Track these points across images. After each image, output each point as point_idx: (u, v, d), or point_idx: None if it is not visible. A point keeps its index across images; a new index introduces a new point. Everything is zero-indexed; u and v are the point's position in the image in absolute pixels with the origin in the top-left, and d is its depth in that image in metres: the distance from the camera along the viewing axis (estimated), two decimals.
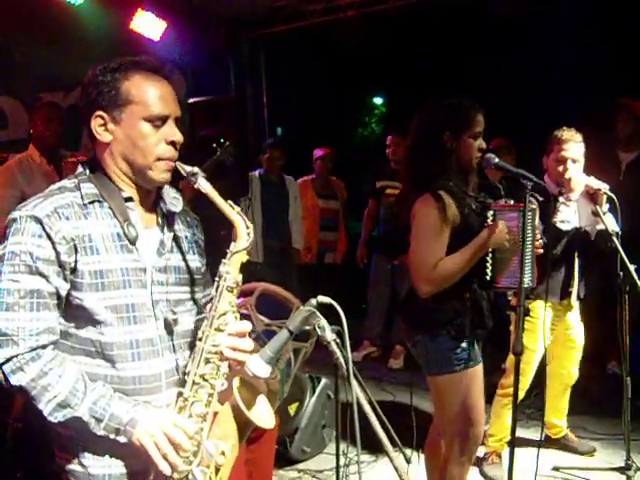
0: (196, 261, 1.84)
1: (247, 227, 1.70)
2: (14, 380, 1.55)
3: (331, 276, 5.97)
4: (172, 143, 1.68)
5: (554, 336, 3.55)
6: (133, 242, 1.66)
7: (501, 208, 2.59)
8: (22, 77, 5.22)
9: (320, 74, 9.11)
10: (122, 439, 1.58)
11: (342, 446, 1.97)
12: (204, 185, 1.68)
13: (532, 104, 7.05)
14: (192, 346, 1.75)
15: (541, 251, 2.80)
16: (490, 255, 2.58)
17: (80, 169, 1.72)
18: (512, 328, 3.44)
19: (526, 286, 2.51)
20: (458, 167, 2.62)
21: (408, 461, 1.88)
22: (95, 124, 1.66)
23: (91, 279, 1.60)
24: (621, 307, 2.98)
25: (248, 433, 1.69)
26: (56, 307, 1.60)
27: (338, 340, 1.58)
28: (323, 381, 3.82)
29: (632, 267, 2.92)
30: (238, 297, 1.75)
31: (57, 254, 1.57)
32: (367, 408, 1.55)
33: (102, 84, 1.65)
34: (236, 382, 1.63)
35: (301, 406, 3.72)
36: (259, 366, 1.61)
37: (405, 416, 2.73)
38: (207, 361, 1.66)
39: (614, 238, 3.02)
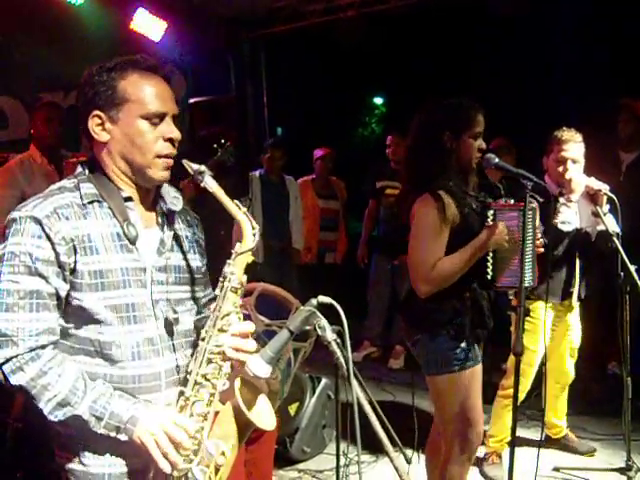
0: (196, 260, 1.84)
1: (253, 228, 1.69)
2: (14, 380, 1.55)
3: (331, 276, 5.97)
4: (170, 140, 1.68)
5: (555, 337, 3.55)
6: (133, 242, 1.66)
7: (501, 207, 2.59)
8: (22, 77, 5.22)
9: (320, 74, 9.11)
10: (122, 437, 1.58)
11: (342, 446, 1.97)
12: (211, 184, 1.67)
13: (532, 104, 7.05)
14: (192, 345, 1.76)
15: (542, 250, 2.80)
16: (491, 255, 2.58)
17: (79, 169, 1.72)
18: (512, 329, 3.44)
19: (527, 285, 2.51)
20: (458, 167, 2.62)
21: (408, 461, 1.88)
22: (92, 124, 1.66)
23: (91, 279, 1.60)
24: (621, 307, 2.98)
25: (248, 434, 1.69)
26: (56, 308, 1.60)
27: (338, 340, 1.58)
28: (323, 381, 3.82)
29: (633, 267, 2.92)
30: None
31: (56, 255, 1.57)
32: (367, 408, 1.55)
33: (98, 84, 1.65)
34: (238, 382, 1.63)
35: (301, 406, 3.72)
36: (260, 366, 1.61)
37: (405, 416, 2.73)
38: (209, 361, 1.66)
39: (615, 239, 3.02)
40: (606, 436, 3.91)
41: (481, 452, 3.43)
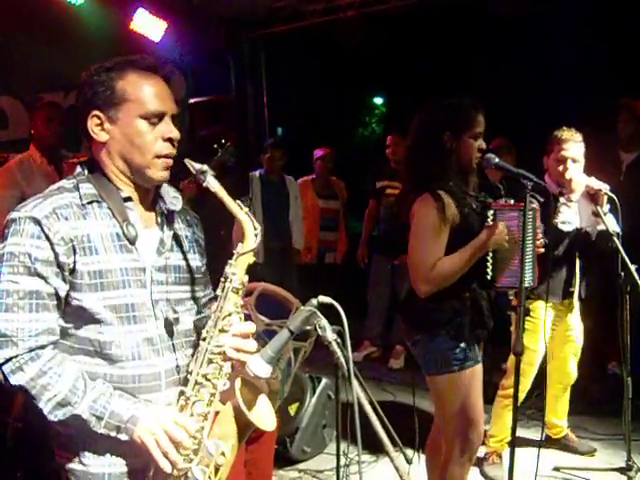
0: (196, 260, 1.84)
1: (255, 228, 1.69)
2: (13, 380, 1.55)
3: (331, 276, 5.97)
4: (169, 140, 1.68)
5: (556, 337, 3.55)
6: (132, 242, 1.66)
7: (501, 207, 2.59)
8: (22, 77, 5.22)
9: (320, 74, 9.12)
10: (123, 437, 1.58)
11: (342, 446, 1.97)
12: (213, 183, 1.67)
13: (532, 104, 7.06)
14: (192, 345, 1.76)
15: (542, 250, 2.79)
16: (491, 255, 2.57)
17: (78, 169, 1.72)
18: (513, 328, 3.44)
19: (527, 286, 2.51)
20: (458, 167, 2.61)
21: (409, 461, 1.88)
22: (92, 124, 1.66)
23: (90, 279, 1.60)
24: (622, 307, 2.98)
25: (248, 434, 1.68)
26: (55, 308, 1.60)
27: (339, 340, 1.58)
28: (323, 381, 3.82)
29: (633, 267, 2.92)
30: None
31: (56, 255, 1.57)
32: (368, 408, 1.55)
33: (97, 84, 1.65)
34: (238, 382, 1.63)
35: (301, 406, 3.72)
36: (260, 366, 1.60)
37: (406, 416, 2.72)
38: (210, 361, 1.65)
39: (615, 238, 3.02)
40: (606, 436, 3.91)
41: (481, 452, 3.43)
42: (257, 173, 5.60)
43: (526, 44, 7.03)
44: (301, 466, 3.69)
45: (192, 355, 1.72)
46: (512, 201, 2.62)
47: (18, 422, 2.84)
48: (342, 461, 2.23)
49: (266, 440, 2.66)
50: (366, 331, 5.86)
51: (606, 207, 3.17)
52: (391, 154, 5.62)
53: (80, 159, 1.82)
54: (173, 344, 1.72)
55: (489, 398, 2.95)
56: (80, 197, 1.64)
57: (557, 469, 3.53)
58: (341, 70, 9.02)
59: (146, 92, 1.65)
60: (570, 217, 3.38)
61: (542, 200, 2.79)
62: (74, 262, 1.59)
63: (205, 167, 1.67)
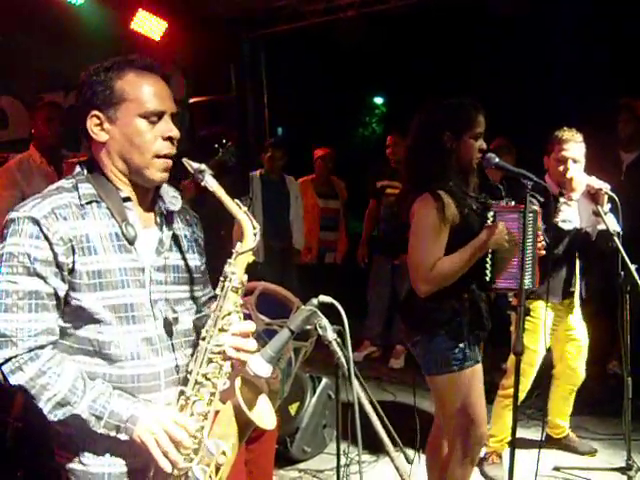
0: (195, 260, 1.84)
1: (254, 227, 1.69)
2: (13, 380, 1.55)
3: (331, 276, 5.97)
4: (169, 139, 1.68)
5: (557, 337, 3.55)
6: (131, 242, 1.66)
7: (501, 209, 2.58)
8: (23, 77, 5.22)
9: (320, 74, 9.12)
10: (122, 436, 1.59)
11: (343, 446, 1.98)
12: (211, 183, 1.67)
13: (532, 104, 7.06)
14: (192, 345, 1.76)
15: (543, 253, 2.79)
16: (490, 256, 2.57)
17: (78, 169, 1.72)
18: (513, 328, 3.44)
19: (526, 288, 2.50)
20: (458, 167, 2.61)
21: (409, 461, 1.87)
22: (91, 124, 1.66)
23: (89, 279, 1.60)
24: (622, 307, 2.98)
25: (249, 433, 1.68)
26: (55, 308, 1.60)
27: (339, 340, 1.58)
28: (324, 381, 3.81)
29: (633, 267, 2.92)
30: None
31: (55, 255, 1.57)
32: (368, 408, 1.55)
33: (96, 84, 1.65)
34: (238, 382, 1.63)
35: (302, 406, 3.71)
36: (260, 366, 1.60)
37: (406, 416, 2.72)
38: (210, 361, 1.65)
39: (615, 238, 3.02)
40: (606, 436, 3.90)
41: (481, 452, 3.43)
42: (257, 173, 5.60)
43: (526, 44, 7.04)
44: (301, 466, 3.68)
45: (192, 355, 1.72)
46: (513, 203, 2.61)
47: (18, 422, 2.84)
48: (342, 461, 2.23)
49: (267, 439, 2.65)
50: (366, 331, 5.86)
51: (606, 207, 3.17)
52: (391, 154, 5.62)
53: (80, 159, 1.82)
54: (172, 344, 1.72)
55: (489, 398, 2.94)
56: (79, 197, 1.64)
57: (557, 469, 3.53)
58: (341, 70, 9.03)
59: (145, 91, 1.65)
60: (570, 216, 3.37)
61: (542, 200, 2.79)
62: (73, 262, 1.59)
63: (203, 166, 1.67)
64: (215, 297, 1.71)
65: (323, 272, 6.03)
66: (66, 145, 4.35)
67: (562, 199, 3.29)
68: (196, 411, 1.64)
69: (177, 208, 1.78)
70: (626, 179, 4.64)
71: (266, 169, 5.58)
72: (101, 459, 1.63)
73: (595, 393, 4.36)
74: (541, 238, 2.78)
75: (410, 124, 2.73)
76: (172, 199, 1.78)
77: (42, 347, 1.57)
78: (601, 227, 3.27)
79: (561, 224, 3.31)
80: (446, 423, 2.69)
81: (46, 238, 1.56)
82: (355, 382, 1.55)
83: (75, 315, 1.62)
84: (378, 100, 12.70)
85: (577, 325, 3.59)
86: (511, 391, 3.17)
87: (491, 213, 2.57)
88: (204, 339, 1.67)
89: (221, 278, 1.69)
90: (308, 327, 1.63)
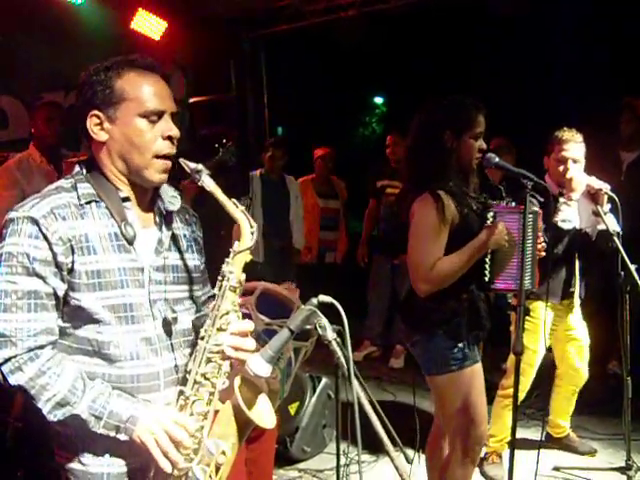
0: (195, 259, 1.84)
1: (251, 227, 1.69)
2: (13, 380, 1.55)
3: (331, 276, 5.97)
4: (169, 138, 1.68)
5: (558, 337, 3.55)
6: (130, 242, 1.66)
7: (501, 210, 2.58)
8: (23, 77, 5.22)
9: (320, 74, 9.12)
10: (122, 437, 1.58)
11: (343, 446, 1.97)
12: (208, 182, 1.67)
13: (532, 104, 7.06)
14: (191, 345, 1.75)
15: (544, 254, 2.79)
16: (489, 256, 2.57)
17: (77, 169, 1.72)
18: (512, 328, 3.44)
19: (525, 289, 2.50)
20: (458, 167, 2.61)
21: (409, 461, 1.88)
22: (91, 123, 1.66)
23: (88, 279, 1.60)
24: (621, 307, 2.98)
25: (248, 433, 1.68)
26: (54, 308, 1.60)
27: (339, 339, 1.58)
28: (323, 381, 3.82)
29: (633, 267, 2.92)
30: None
31: (54, 255, 1.57)
32: (368, 408, 1.55)
33: (96, 83, 1.65)
34: (237, 381, 1.63)
35: (301, 406, 3.71)
36: (260, 365, 1.60)
37: (406, 416, 2.72)
38: (209, 360, 1.65)
39: (615, 238, 3.02)
40: (606, 436, 3.90)
41: (481, 452, 3.43)
42: (257, 172, 5.60)
43: (526, 44, 7.03)
44: (301, 465, 3.68)
45: (190, 354, 1.72)
46: (513, 204, 2.61)
47: (18, 422, 2.84)
48: (342, 461, 2.23)
49: (267, 439, 2.66)
50: (366, 331, 5.86)
51: (606, 207, 3.17)
52: (391, 154, 5.62)
53: (80, 158, 1.82)
54: (171, 344, 1.72)
55: (489, 398, 2.94)
56: (78, 197, 1.64)
57: (557, 469, 3.53)
58: (341, 70, 9.02)
59: (145, 91, 1.65)
60: (570, 215, 3.37)
61: (542, 200, 2.79)
62: (72, 262, 1.59)
63: (200, 166, 1.67)
64: (214, 296, 1.71)
65: (323, 272, 6.03)
66: (66, 145, 4.35)
67: (562, 199, 3.29)
68: (195, 411, 1.64)
69: (176, 208, 1.78)
70: (626, 179, 4.64)
71: (266, 169, 5.58)
72: (100, 459, 1.63)
73: (595, 393, 4.36)
74: (541, 239, 2.78)
75: (410, 124, 2.73)
76: (171, 199, 1.78)
77: (42, 347, 1.57)
78: (601, 227, 3.27)
79: (561, 224, 3.31)
80: (446, 423, 2.69)
81: (45, 238, 1.56)
82: (355, 382, 1.55)
83: (74, 315, 1.62)
84: (378, 100, 12.69)
85: (577, 325, 3.59)
86: (511, 391, 3.17)
87: (491, 213, 2.56)
88: (203, 338, 1.66)
89: (219, 277, 1.68)
90: (308, 327, 1.62)
